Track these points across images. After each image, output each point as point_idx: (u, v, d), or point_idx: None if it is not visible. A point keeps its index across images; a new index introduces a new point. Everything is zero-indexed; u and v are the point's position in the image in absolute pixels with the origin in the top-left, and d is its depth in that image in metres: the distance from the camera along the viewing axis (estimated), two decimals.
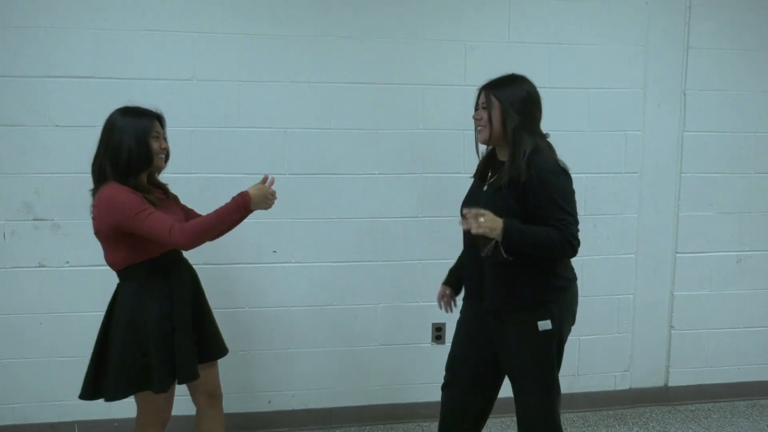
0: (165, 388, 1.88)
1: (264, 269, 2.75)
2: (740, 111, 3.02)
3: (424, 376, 2.91)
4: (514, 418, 2.02)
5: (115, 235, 1.82)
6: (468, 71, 2.79)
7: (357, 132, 2.76)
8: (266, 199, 1.93)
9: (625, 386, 3.10)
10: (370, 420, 2.91)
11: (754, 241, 3.10)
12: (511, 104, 1.84)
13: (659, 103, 2.96)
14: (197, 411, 2.13)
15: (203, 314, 2.08)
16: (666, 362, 3.13)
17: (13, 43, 2.50)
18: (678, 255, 3.05)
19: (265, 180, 1.97)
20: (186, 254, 2.07)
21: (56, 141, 2.55)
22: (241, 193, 1.89)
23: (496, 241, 1.73)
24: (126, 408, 2.65)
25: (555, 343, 1.89)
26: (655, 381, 3.14)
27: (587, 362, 3.04)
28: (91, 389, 1.91)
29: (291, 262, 2.78)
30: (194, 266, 2.12)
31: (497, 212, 1.78)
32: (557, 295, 1.88)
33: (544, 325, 1.84)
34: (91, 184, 1.89)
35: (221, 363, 2.17)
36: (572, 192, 1.83)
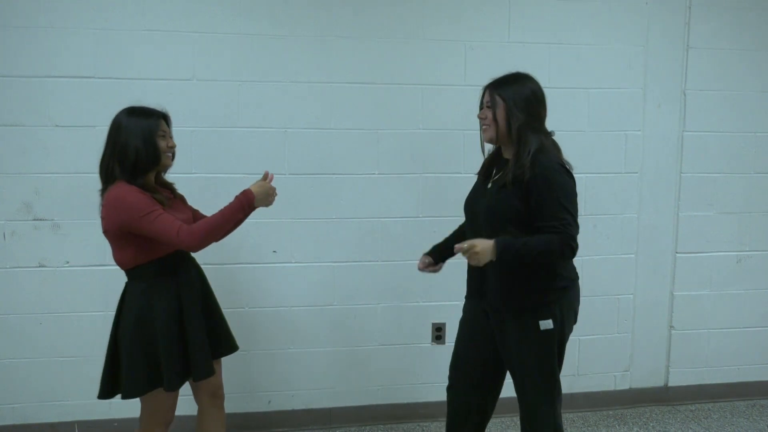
0: (175, 386, 1.89)
1: (264, 269, 2.75)
2: (740, 111, 3.02)
3: (424, 376, 2.91)
4: (515, 418, 2.03)
5: (123, 235, 1.83)
6: (468, 71, 2.79)
7: (357, 132, 2.76)
8: (268, 196, 1.95)
9: (625, 386, 3.10)
10: (370, 420, 2.91)
11: (754, 241, 3.10)
12: (515, 103, 1.85)
13: (659, 103, 2.96)
14: (199, 410, 2.14)
15: (211, 312, 2.09)
16: (666, 362, 3.13)
17: (13, 43, 2.50)
18: (678, 255, 3.05)
19: (265, 177, 1.98)
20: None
21: (56, 141, 2.55)
22: (244, 191, 1.90)
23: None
24: (126, 408, 2.66)
25: (556, 343, 1.89)
26: (655, 381, 3.14)
27: (587, 362, 3.04)
28: (108, 389, 1.94)
29: (291, 262, 2.78)
30: None
31: (500, 210, 1.79)
32: (559, 294, 1.88)
33: (546, 324, 1.84)
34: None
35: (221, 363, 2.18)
36: (575, 193, 1.84)
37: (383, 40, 2.73)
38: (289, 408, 2.85)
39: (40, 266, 2.60)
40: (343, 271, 2.81)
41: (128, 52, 2.57)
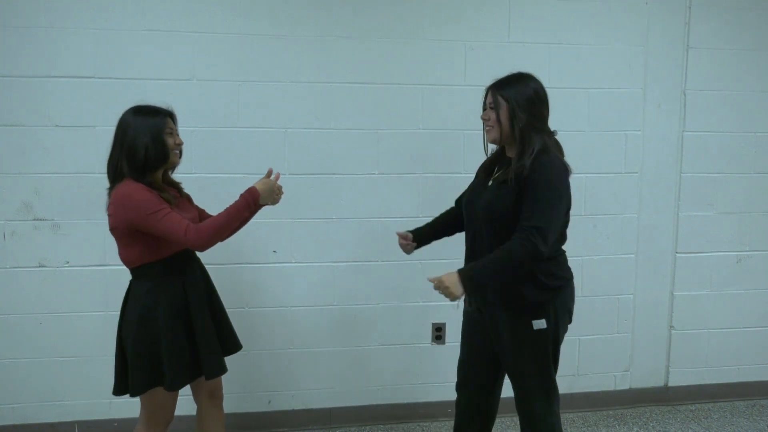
0: (176, 386, 1.89)
1: (264, 269, 2.76)
2: (740, 111, 3.02)
3: (424, 376, 2.91)
4: (514, 418, 2.03)
5: (130, 233, 1.83)
6: (468, 71, 2.79)
7: (357, 132, 2.76)
8: (273, 193, 1.95)
9: (625, 386, 3.11)
10: (370, 420, 2.91)
11: (754, 241, 3.10)
12: (518, 104, 1.85)
13: (659, 103, 2.96)
14: (198, 410, 2.14)
15: (215, 311, 2.09)
16: (666, 362, 3.13)
17: (13, 43, 2.50)
18: (678, 255, 3.05)
19: (269, 174, 1.98)
20: None
21: (56, 141, 2.54)
22: (249, 189, 1.91)
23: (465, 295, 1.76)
24: (126, 408, 2.66)
25: (551, 343, 1.89)
26: (655, 381, 3.14)
27: (587, 362, 3.04)
28: (122, 387, 1.95)
29: (291, 262, 2.78)
30: None
31: (499, 206, 1.80)
32: (553, 294, 1.88)
33: (539, 324, 1.85)
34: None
35: None
36: (567, 196, 1.83)
37: (383, 40, 2.73)
38: (289, 408, 2.85)
39: (40, 266, 2.60)
40: (343, 271, 2.81)
41: (128, 52, 2.57)
